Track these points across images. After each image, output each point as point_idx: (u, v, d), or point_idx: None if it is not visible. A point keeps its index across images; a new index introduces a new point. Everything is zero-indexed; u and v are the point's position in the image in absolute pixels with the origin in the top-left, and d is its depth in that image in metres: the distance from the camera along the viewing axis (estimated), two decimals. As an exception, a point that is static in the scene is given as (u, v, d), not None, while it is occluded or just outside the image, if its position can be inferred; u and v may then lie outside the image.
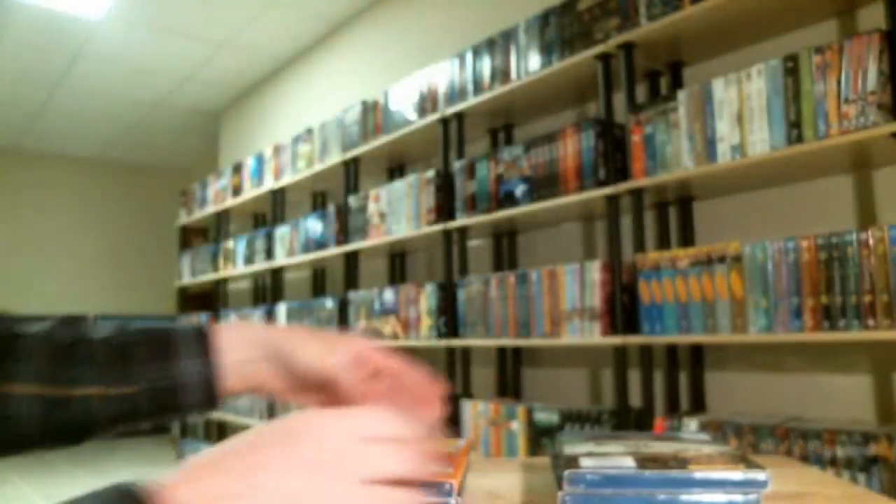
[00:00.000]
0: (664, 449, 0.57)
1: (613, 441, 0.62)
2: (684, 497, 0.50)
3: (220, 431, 4.33)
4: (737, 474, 0.50)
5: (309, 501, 0.34)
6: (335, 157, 3.33)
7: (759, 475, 0.50)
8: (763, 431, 1.67)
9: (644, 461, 0.52)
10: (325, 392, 0.58)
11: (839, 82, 1.58)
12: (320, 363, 0.57)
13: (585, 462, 0.53)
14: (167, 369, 0.55)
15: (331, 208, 3.33)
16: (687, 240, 2.09)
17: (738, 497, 0.50)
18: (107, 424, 0.55)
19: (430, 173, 2.71)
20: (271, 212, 3.93)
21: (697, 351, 2.05)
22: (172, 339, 0.56)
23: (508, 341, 2.30)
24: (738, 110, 1.75)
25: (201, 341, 0.56)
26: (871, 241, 1.50)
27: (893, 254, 1.47)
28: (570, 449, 0.60)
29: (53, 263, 6.21)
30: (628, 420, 1.96)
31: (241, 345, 0.57)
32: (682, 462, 0.52)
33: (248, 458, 0.35)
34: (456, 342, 2.50)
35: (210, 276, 4.52)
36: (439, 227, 2.61)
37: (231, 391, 0.58)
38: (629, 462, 0.53)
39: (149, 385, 0.54)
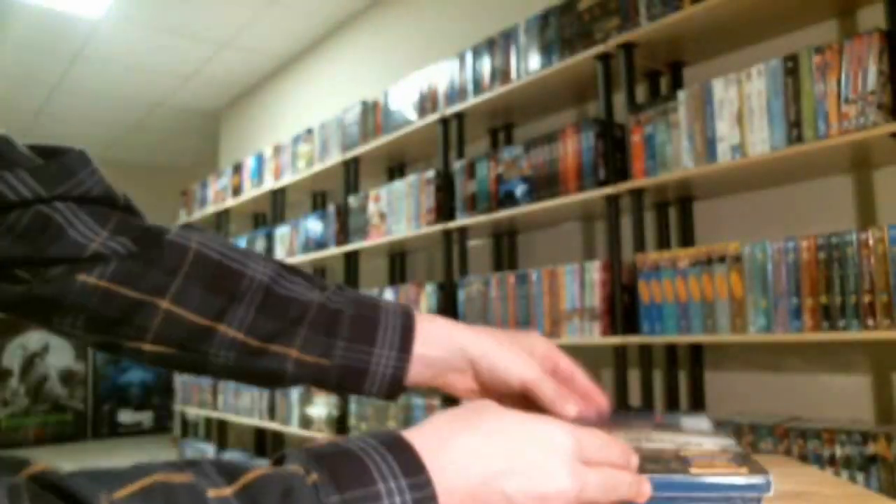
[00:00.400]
0: (665, 444, 0.56)
1: (614, 431, 0.62)
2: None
3: (221, 431, 4.33)
4: (739, 479, 0.50)
5: (536, 468, 0.39)
6: (335, 157, 3.33)
7: (761, 479, 0.50)
8: (762, 431, 1.67)
9: (645, 460, 0.51)
10: (523, 398, 0.57)
11: (839, 82, 1.58)
12: (522, 374, 0.56)
13: None
14: (364, 353, 0.55)
15: (331, 208, 3.33)
16: (687, 240, 2.09)
17: (738, 502, 0.50)
18: (289, 382, 0.56)
19: (430, 173, 2.71)
20: (271, 212, 3.93)
21: (697, 351, 2.05)
22: (378, 322, 0.56)
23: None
24: (738, 110, 1.75)
25: (404, 334, 0.56)
26: (870, 241, 1.50)
27: (893, 254, 1.47)
28: None
29: (53, 263, 6.21)
30: (628, 420, 1.96)
31: (439, 342, 0.57)
32: (683, 462, 0.52)
33: (479, 424, 0.40)
34: (456, 342, 2.50)
35: (210, 276, 4.51)
36: (439, 227, 2.61)
37: (413, 384, 0.58)
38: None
39: (342, 364, 0.55)
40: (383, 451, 0.36)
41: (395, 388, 0.57)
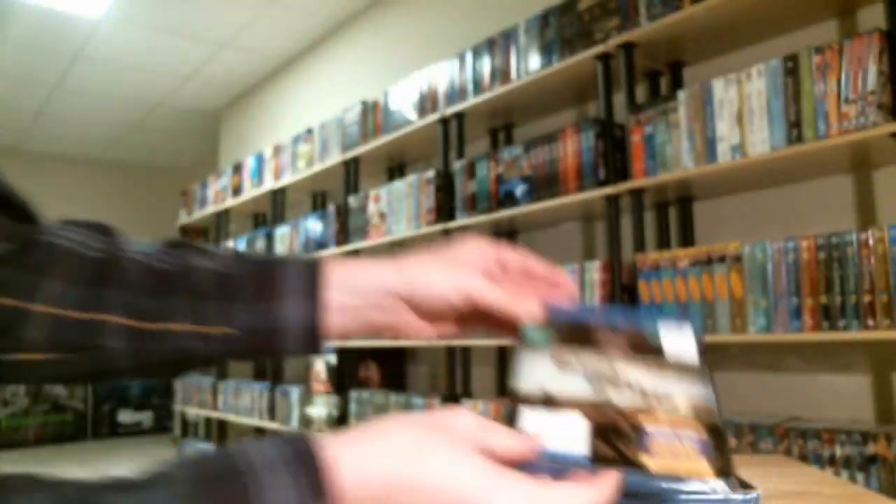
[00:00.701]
0: (629, 396, 0.48)
1: (580, 364, 0.51)
2: (683, 497, 0.50)
3: (221, 431, 4.33)
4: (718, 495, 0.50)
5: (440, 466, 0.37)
6: (335, 157, 3.34)
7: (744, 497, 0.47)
8: (762, 431, 1.67)
9: (600, 427, 0.45)
10: (468, 315, 0.54)
11: (839, 82, 1.58)
12: (459, 288, 0.52)
13: (528, 417, 0.46)
14: (269, 311, 0.51)
15: (331, 208, 3.33)
16: (687, 240, 2.09)
17: (737, 496, 0.50)
18: (201, 362, 0.53)
19: (430, 173, 2.71)
20: (271, 212, 3.93)
21: (697, 351, 2.04)
22: (279, 277, 0.52)
23: (509, 341, 2.30)
24: (738, 110, 1.75)
25: (308, 281, 0.52)
26: (870, 241, 1.50)
27: (893, 254, 1.47)
28: (528, 377, 0.50)
29: (53, 263, 6.21)
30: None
31: (356, 284, 0.53)
32: (638, 433, 0.45)
33: (394, 432, 0.38)
34: (456, 342, 2.50)
35: (210, 276, 4.51)
36: (439, 227, 2.61)
37: (341, 334, 0.54)
38: (580, 428, 0.46)
39: (248, 327, 0.51)
40: (280, 470, 0.34)
41: (314, 340, 0.52)
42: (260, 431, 3.99)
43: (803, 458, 1.59)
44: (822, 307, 1.57)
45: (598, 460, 0.42)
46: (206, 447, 4.36)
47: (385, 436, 0.38)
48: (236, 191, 4.36)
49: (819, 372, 1.84)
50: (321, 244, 3.37)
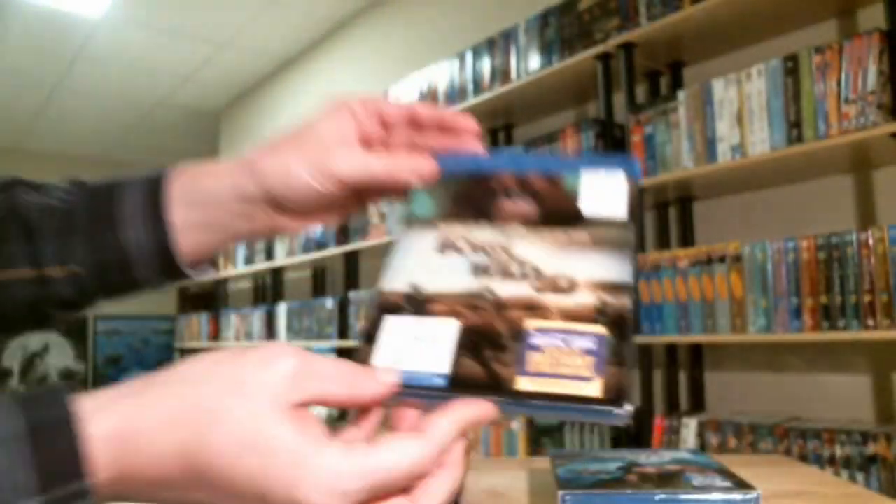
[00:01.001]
0: (522, 285, 0.39)
1: (467, 244, 0.42)
2: (682, 497, 0.51)
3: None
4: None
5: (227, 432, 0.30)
6: (335, 157, 3.33)
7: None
8: (762, 431, 1.67)
9: (472, 333, 0.37)
10: (352, 194, 0.46)
11: (839, 82, 1.58)
12: (322, 176, 0.44)
13: (390, 329, 0.38)
14: (111, 240, 0.45)
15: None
16: (687, 240, 2.09)
17: (737, 496, 0.50)
18: (50, 310, 0.46)
19: (430, 173, 2.71)
20: (271, 212, 3.92)
21: (697, 351, 2.05)
22: (116, 200, 0.45)
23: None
24: (738, 110, 1.76)
25: (150, 200, 0.45)
26: (870, 241, 1.50)
27: (893, 254, 1.47)
28: (399, 271, 0.41)
29: (53, 263, 6.21)
30: (628, 420, 1.96)
31: (208, 194, 0.46)
32: (518, 339, 0.36)
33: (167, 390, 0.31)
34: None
35: (210, 276, 4.52)
36: (439, 226, 2.61)
37: (203, 253, 0.47)
38: (448, 337, 0.37)
39: (94, 261, 0.45)
40: (14, 450, 0.27)
41: (170, 266, 0.46)
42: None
43: (803, 458, 1.59)
44: (822, 307, 1.57)
45: (459, 383, 0.35)
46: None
47: (169, 396, 0.30)
48: (236, 191, 4.36)
49: (819, 372, 1.84)
50: (321, 244, 3.37)
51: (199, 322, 4.68)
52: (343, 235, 3.21)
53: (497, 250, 0.41)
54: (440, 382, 0.35)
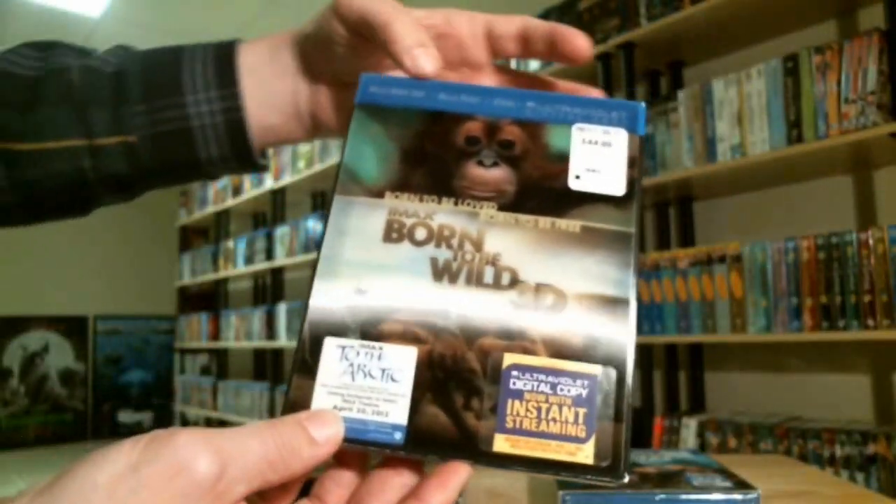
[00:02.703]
0: (497, 298, 0.30)
1: (423, 227, 0.32)
2: (683, 497, 0.51)
3: (221, 431, 4.32)
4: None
5: None
6: (335, 157, 3.33)
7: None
8: (762, 431, 1.67)
9: (436, 368, 0.29)
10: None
11: (839, 82, 1.58)
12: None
13: (329, 359, 0.30)
14: (174, 107, 0.39)
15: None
16: (687, 240, 2.09)
17: (737, 496, 0.50)
18: (101, 185, 0.41)
19: (430, 173, 2.71)
20: (271, 212, 3.93)
21: (697, 350, 2.05)
22: (181, 65, 0.40)
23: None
24: (738, 110, 1.76)
25: (220, 65, 0.40)
26: (870, 241, 1.50)
27: (893, 254, 1.47)
28: (338, 265, 0.31)
29: (53, 263, 6.21)
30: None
31: (280, 67, 0.40)
32: (495, 380, 0.29)
33: None
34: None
35: (210, 276, 4.52)
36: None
37: (267, 139, 0.42)
38: (404, 373, 0.29)
39: (151, 132, 0.39)
40: None
41: (240, 141, 0.40)
42: (260, 431, 3.99)
43: (803, 458, 1.59)
44: (821, 307, 1.57)
45: (421, 440, 0.28)
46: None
47: None
48: (236, 191, 4.36)
49: (819, 372, 1.84)
50: (321, 244, 3.37)
51: (199, 322, 4.69)
52: (343, 235, 3.21)
53: (464, 242, 0.31)
54: (396, 438, 0.28)
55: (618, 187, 0.33)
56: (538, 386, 0.29)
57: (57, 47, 0.41)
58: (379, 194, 0.33)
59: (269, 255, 3.83)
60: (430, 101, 0.35)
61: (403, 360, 0.29)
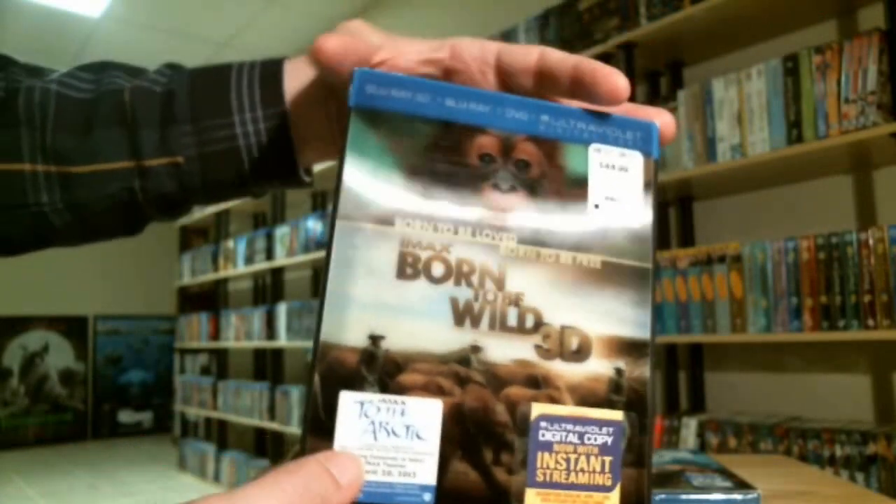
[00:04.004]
0: (520, 344, 0.29)
1: (439, 260, 0.29)
2: (682, 497, 0.51)
3: (221, 432, 4.33)
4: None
5: None
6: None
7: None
8: (762, 431, 1.67)
9: (463, 422, 0.28)
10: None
11: (839, 82, 1.58)
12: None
13: (347, 413, 0.27)
14: (221, 127, 0.40)
15: (330, 208, 3.33)
16: (687, 240, 2.09)
17: (737, 496, 0.50)
18: (148, 209, 0.41)
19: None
20: (271, 212, 3.93)
21: (697, 350, 2.05)
22: (226, 85, 0.40)
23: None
24: (738, 110, 1.76)
25: (265, 83, 0.40)
26: (870, 241, 1.50)
27: (893, 254, 1.47)
28: (347, 306, 0.28)
29: (53, 263, 6.21)
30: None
31: (318, 78, 0.39)
32: (524, 433, 0.28)
33: None
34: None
35: (210, 276, 4.52)
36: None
37: (313, 156, 0.41)
38: (431, 428, 0.27)
39: (198, 152, 0.40)
40: None
41: (286, 160, 0.41)
42: (260, 432, 3.99)
43: (803, 458, 1.59)
44: (821, 307, 1.57)
45: (449, 500, 0.27)
46: (207, 448, 4.36)
47: None
48: (236, 191, 4.36)
49: (819, 372, 1.84)
50: (321, 244, 3.37)
51: (199, 322, 4.69)
52: (343, 235, 3.21)
53: (485, 280, 0.29)
54: (426, 500, 0.26)
55: (634, 219, 0.31)
56: (567, 437, 0.28)
57: (109, 68, 0.42)
58: (388, 221, 0.29)
59: (269, 255, 3.83)
60: (437, 109, 0.30)
61: (428, 415, 0.27)
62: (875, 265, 1.49)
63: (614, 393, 0.28)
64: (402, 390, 0.27)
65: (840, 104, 1.57)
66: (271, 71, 0.40)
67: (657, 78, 2.19)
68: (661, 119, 0.35)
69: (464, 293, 0.28)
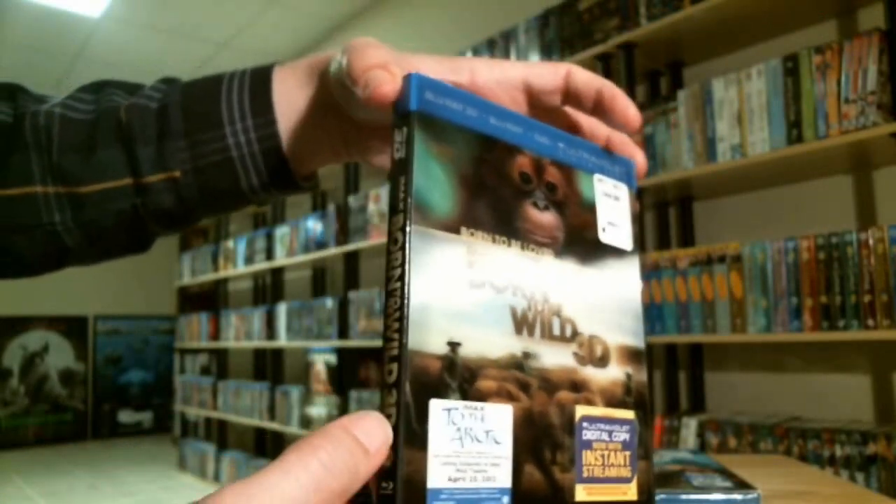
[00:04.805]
0: (562, 350, 0.31)
1: (493, 266, 0.30)
2: (682, 497, 0.50)
3: (221, 431, 4.33)
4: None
5: None
6: (335, 157, 3.33)
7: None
8: (762, 431, 1.67)
9: (529, 427, 0.29)
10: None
11: (839, 82, 1.58)
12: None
13: (438, 422, 0.27)
14: (214, 140, 0.40)
15: (331, 208, 3.33)
16: (687, 240, 2.09)
17: (737, 496, 0.50)
18: (150, 225, 0.42)
19: (430, 173, 2.71)
20: (271, 212, 3.93)
21: (697, 350, 2.05)
22: (216, 97, 0.41)
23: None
24: (738, 110, 1.76)
25: (255, 92, 0.40)
26: (870, 241, 1.50)
27: (893, 254, 1.47)
28: (426, 309, 0.27)
29: (53, 263, 6.21)
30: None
31: (307, 84, 0.40)
32: (572, 434, 0.30)
33: None
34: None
35: (210, 276, 4.52)
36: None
37: (310, 162, 0.42)
38: (504, 433, 0.28)
39: (194, 165, 0.40)
40: None
41: (279, 167, 0.41)
42: (260, 432, 3.99)
43: (803, 458, 1.59)
44: (821, 307, 1.57)
45: (523, 501, 0.28)
46: (207, 447, 4.36)
47: None
48: (236, 191, 4.36)
49: (819, 372, 1.84)
50: (321, 244, 3.37)
51: (199, 322, 4.69)
52: (343, 235, 3.21)
53: (535, 291, 0.31)
54: (505, 503, 0.27)
55: (627, 242, 0.35)
56: (601, 435, 0.30)
57: (108, 87, 0.43)
58: (455, 229, 0.29)
59: (269, 255, 3.83)
60: (484, 124, 0.31)
61: (503, 420, 0.28)
62: (875, 265, 1.49)
63: (626, 395, 0.32)
64: (480, 396, 0.28)
65: (840, 104, 1.57)
66: (261, 79, 0.41)
67: (657, 78, 2.19)
68: (638, 158, 0.39)
69: (520, 303, 0.30)
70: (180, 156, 0.40)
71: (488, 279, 0.29)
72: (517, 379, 0.29)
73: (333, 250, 3.23)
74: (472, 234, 0.29)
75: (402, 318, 0.26)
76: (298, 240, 3.56)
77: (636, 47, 2.03)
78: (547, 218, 0.32)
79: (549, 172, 0.33)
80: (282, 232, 3.72)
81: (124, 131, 0.40)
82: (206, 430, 4.76)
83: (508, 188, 0.31)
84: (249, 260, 4.05)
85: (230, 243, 4.31)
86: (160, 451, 5.54)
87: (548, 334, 0.30)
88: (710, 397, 2.04)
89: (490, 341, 0.28)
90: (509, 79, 0.38)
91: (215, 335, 4.44)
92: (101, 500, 3.91)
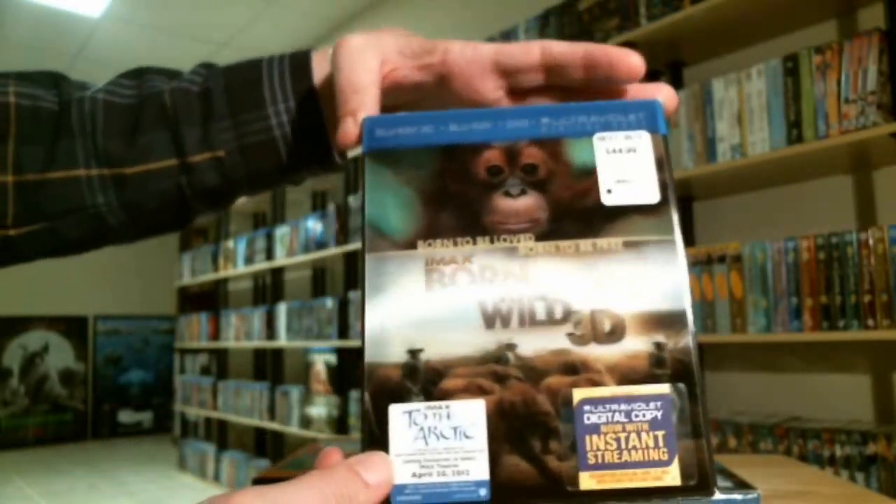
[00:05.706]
0: (551, 334, 0.30)
1: (463, 268, 0.31)
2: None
3: (221, 432, 4.33)
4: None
5: None
6: (335, 157, 3.33)
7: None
8: (762, 431, 1.67)
9: (507, 418, 0.29)
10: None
11: (839, 82, 1.58)
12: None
13: (397, 422, 0.29)
14: (257, 120, 0.42)
15: (331, 208, 3.33)
16: (687, 240, 2.09)
17: (737, 496, 0.50)
18: (194, 203, 0.44)
19: (430, 173, 2.70)
20: (271, 212, 3.93)
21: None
22: (258, 78, 0.43)
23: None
24: (738, 110, 1.76)
25: (295, 73, 0.42)
26: (870, 241, 1.50)
27: (893, 254, 1.47)
28: (384, 322, 0.30)
29: (53, 263, 6.22)
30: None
31: (364, 55, 0.39)
32: (568, 419, 0.29)
33: None
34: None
35: (210, 276, 4.52)
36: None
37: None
38: (477, 427, 0.29)
39: (238, 145, 0.42)
40: None
41: (319, 150, 0.43)
42: (260, 432, 3.99)
43: (803, 458, 1.59)
44: (821, 307, 1.57)
45: (507, 491, 0.28)
46: (207, 447, 4.36)
47: None
48: (236, 191, 4.36)
49: (819, 372, 1.84)
50: (321, 244, 3.37)
51: (199, 322, 4.69)
52: (343, 235, 3.21)
53: (509, 280, 0.30)
54: (482, 495, 0.27)
55: (651, 195, 0.32)
56: (613, 416, 0.28)
57: (148, 73, 0.45)
58: (411, 245, 0.31)
59: (269, 255, 3.83)
60: (442, 136, 0.33)
61: (473, 415, 0.29)
62: (875, 265, 1.49)
63: (657, 367, 0.29)
64: (444, 395, 0.29)
65: (840, 104, 1.57)
66: (301, 62, 0.43)
67: (657, 78, 2.19)
68: (662, 94, 0.37)
69: (490, 297, 0.30)
70: (224, 136, 0.42)
71: (449, 283, 0.30)
72: (493, 372, 0.29)
73: (333, 250, 3.23)
74: (429, 246, 0.31)
75: (362, 336, 0.30)
76: (298, 240, 3.56)
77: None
78: (522, 203, 0.32)
79: (527, 154, 0.33)
80: (282, 232, 3.72)
81: (169, 114, 0.42)
82: (206, 430, 4.76)
83: (475, 187, 0.32)
84: (249, 260, 4.05)
85: (230, 243, 4.31)
86: (160, 451, 5.54)
87: (529, 322, 0.30)
88: (710, 397, 2.04)
89: (456, 341, 0.29)
90: (480, 57, 0.38)
91: (215, 335, 4.44)
92: (101, 500, 3.91)
